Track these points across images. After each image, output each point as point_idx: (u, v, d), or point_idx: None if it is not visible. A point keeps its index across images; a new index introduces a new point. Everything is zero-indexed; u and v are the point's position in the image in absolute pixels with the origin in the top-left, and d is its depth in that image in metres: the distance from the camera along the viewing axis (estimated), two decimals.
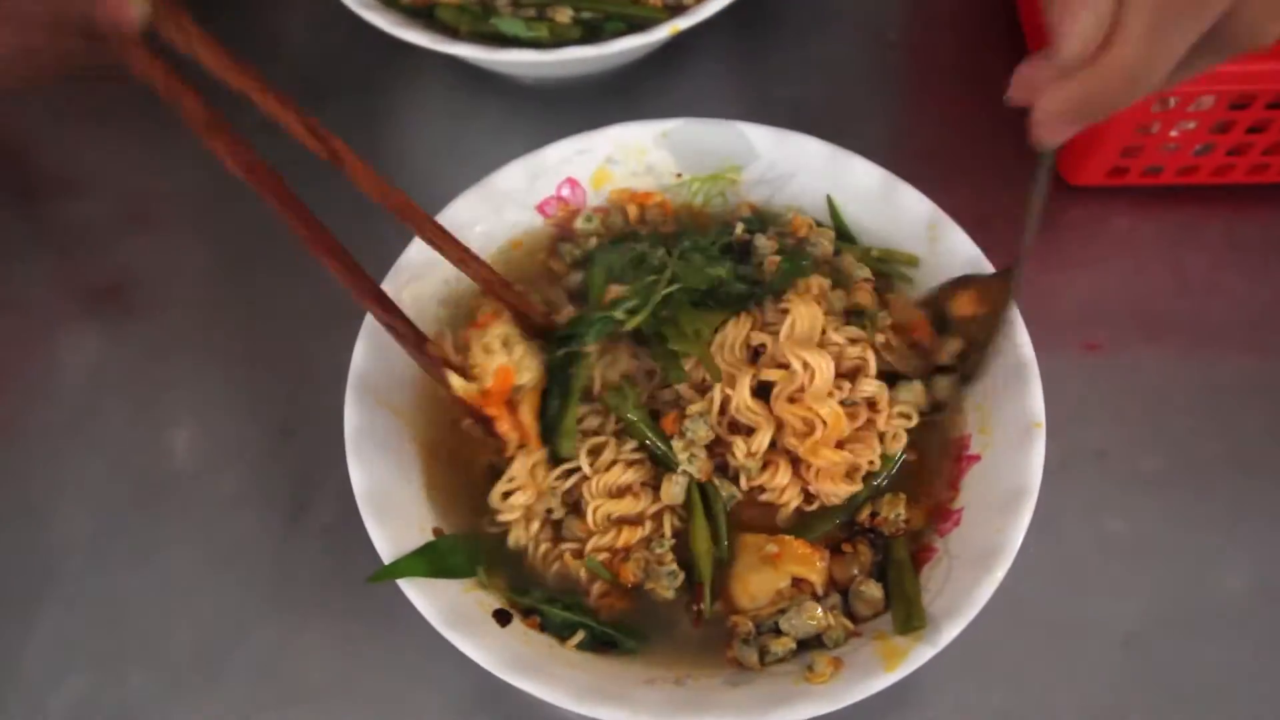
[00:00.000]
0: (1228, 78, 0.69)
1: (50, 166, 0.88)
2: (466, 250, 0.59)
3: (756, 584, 0.59)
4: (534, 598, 0.59)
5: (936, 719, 0.64)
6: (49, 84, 0.44)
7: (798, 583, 0.59)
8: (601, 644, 0.58)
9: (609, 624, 0.59)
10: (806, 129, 0.71)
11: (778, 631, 0.57)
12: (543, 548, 0.61)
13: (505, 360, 0.56)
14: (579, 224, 0.72)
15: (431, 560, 0.58)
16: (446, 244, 0.59)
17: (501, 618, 0.57)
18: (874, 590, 0.59)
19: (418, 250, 0.66)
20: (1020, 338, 0.62)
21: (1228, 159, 0.77)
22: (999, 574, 0.54)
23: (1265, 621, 0.66)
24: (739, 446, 0.61)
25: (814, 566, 0.59)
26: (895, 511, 0.61)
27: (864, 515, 0.62)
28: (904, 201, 0.68)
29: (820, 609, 0.57)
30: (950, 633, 0.54)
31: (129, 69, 0.45)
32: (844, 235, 0.71)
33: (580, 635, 0.58)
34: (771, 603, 0.59)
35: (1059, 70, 0.38)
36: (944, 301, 0.65)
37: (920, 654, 0.53)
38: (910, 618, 0.56)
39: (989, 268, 0.65)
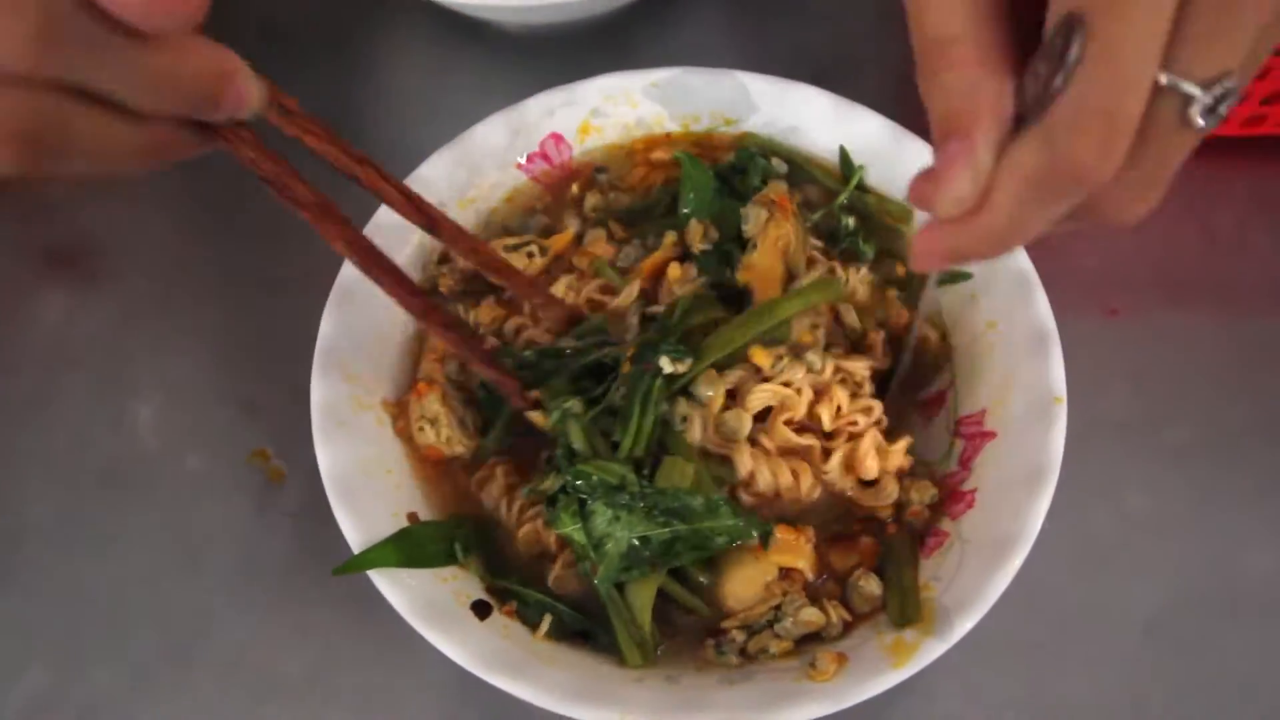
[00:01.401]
0: None
1: None
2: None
3: (740, 582, 0.54)
4: (510, 580, 0.56)
5: (946, 709, 0.60)
6: (133, 172, 0.40)
7: (787, 573, 0.55)
8: (576, 634, 0.55)
9: (581, 610, 0.55)
10: (808, 79, 0.66)
11: (774, 631, 0.54)
12: (518, 503, 0.58)
13: (433, 440, 0.59)
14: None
15: (405, 548, 0.54)
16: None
17: (480, 610, 0.54)
18: (873, 586, 0.55)
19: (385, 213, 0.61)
20: (1039, 306, 0.57)
21: (1261, 109, 0.72)
22: (1016, 562, 0.51)
23: None
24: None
25: (801, 551, 0.55)
26: (929, 495, 0.57)
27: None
28: (912, 154, 0.64)
29: (814, 610, 0.54)
30: (963, 626, 0.50)
31: (234, 155, 0.41)
32: (860, 187, 0.66)
33: (548, 620, 0.54)
34: (762, 600, 0.54)
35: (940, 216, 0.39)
36: None
37: (931, 650, 0.49)
38: (905, 610, 0.52)
39: None
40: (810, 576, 0.56)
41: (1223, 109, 0.33)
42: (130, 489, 0.67)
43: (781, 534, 0.55)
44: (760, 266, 0.60)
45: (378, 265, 0.49)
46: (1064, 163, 0.34)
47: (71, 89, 0.33)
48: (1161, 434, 0.67)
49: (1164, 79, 0.32)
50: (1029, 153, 0.35)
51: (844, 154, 0.66)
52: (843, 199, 0.65)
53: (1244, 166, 0.76)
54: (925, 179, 0.38)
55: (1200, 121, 0.33)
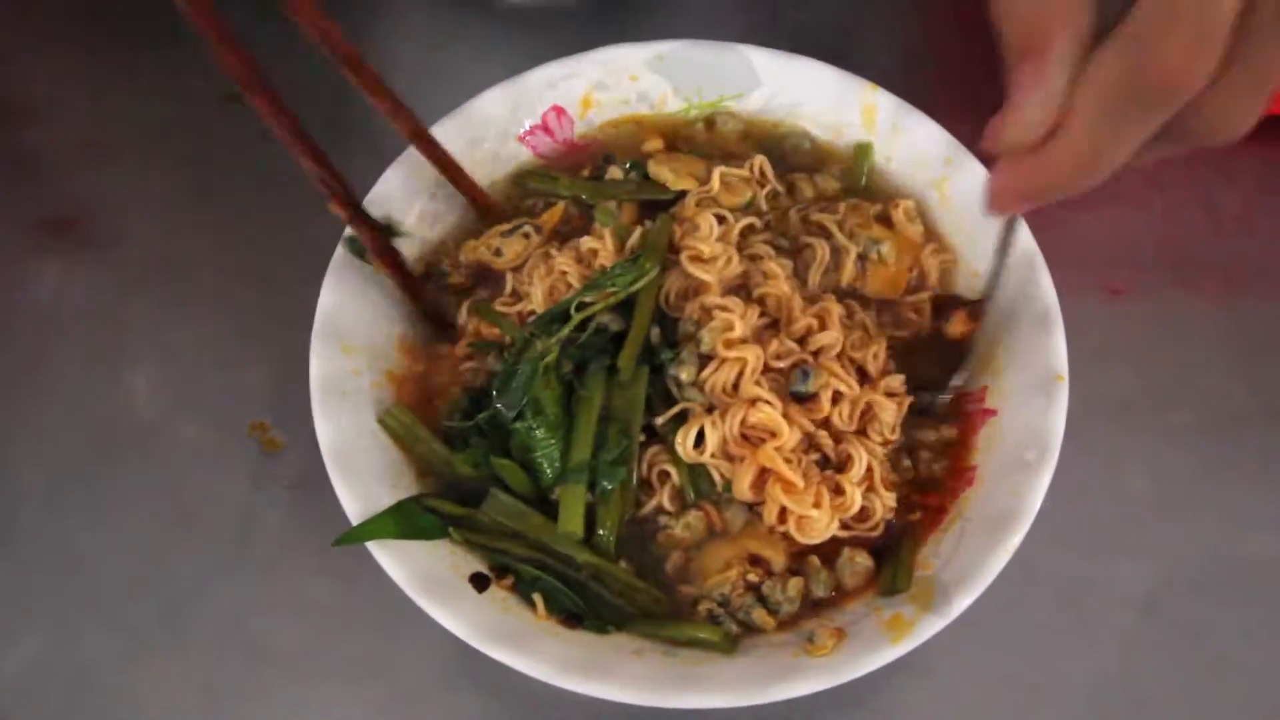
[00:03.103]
0: None
1: (1, 91, 0.82)
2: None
3: (710, 557, 0.56)
4: (509, 556, 0.55)
5: (944, 686, 0.60)
6: None
7: (756, 560, 0.56)
8: (571, 615, 0.54)
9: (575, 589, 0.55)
10: (814, 53, 0.66)
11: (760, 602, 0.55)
12: None
13: None
14: None
15: (402, 520, 0.53)
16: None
17: (479, 582, 0.53)
18: (865, 560, 0.55)
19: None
20: (1043, 283, 0.57)
21: None
22: (1015, 540, 0.50)
23: None
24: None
25: (776, 545, 0.56)
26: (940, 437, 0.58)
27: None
28: (918, 132, 0.63)
29: (797, 580, 0.55)
30: (962, 603, 0.50)
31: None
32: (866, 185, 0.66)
33: (542, 601, 0.54)
34: (720, 571, 0.55)
35: (1009, 148, 0.35)
36: (940, 323, 0.61)
37: (929, 625, 0.49)
38: (896, 578, 0.53)
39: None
40: (775, 570, 0.56)
41: None
42: (125, 458, 0.67)
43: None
44: None
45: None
46: (1149, 68, 0.30)
47: None
48: (1163, 414, 0.67)
49: None
50: (1108, 62, 0.31)
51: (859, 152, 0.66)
52: None
53: (1251, 147, 0.74)
54: (999, 114, 0.34)
55: None
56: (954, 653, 0.60)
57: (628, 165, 0.66)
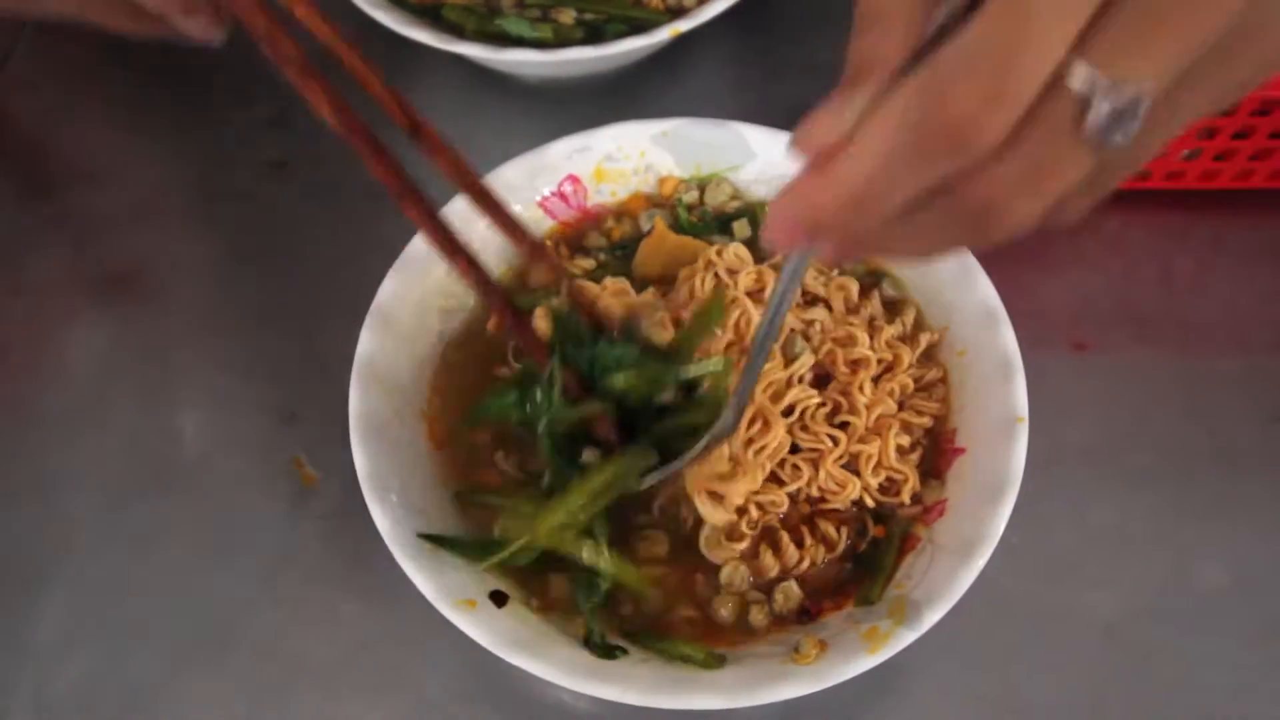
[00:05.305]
0: None
1: (65, 158, 0.90)
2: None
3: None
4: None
5: (921, 704, 0.65)
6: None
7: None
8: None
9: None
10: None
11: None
12: None
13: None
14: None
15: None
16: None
17: (498, 598, 0.59)
18: (796, 592, 0.62)
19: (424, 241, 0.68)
20: (1004, 334, 0.63)
21: (1214, 164, 0.79)
22: (980, 562, 0.56)
23: (1243, 614, 0.67)
24: None
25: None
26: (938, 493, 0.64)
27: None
28: None
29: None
30: (931, 618, 0.55)
31: (228, 7, 0.44)
32: None
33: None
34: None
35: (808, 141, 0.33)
36: None
37: (902, 638, 0.55)
38: (872, 590, 0.59)
39: (980, 271, 0.66)
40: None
41: (1120, 135, 0.28)
42: (172, 492, 0.73)
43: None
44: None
45: (362, 136, 0.51)
46: (940, 109, 0.28)
47: None
48: (1123, 458, 0.73)
49: (1075, 69, 0.28)
50: (904, 93, 0.30)
51: None
52: None
53: (1203, 216, 0.82)
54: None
55: (1092, 130, 0.28)
56: (930, 674, 0.65)
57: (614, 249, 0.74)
